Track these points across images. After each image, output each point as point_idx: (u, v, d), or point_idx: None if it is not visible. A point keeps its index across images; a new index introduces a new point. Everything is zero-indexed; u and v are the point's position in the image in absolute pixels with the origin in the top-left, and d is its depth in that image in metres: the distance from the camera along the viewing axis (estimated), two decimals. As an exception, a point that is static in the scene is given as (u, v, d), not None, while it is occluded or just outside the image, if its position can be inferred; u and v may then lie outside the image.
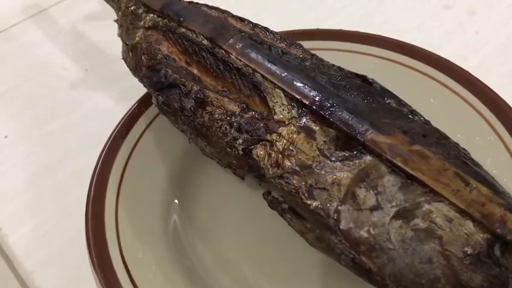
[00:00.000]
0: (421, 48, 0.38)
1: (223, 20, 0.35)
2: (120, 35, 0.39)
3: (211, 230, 0.33)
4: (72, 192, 0.38)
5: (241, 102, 0.30)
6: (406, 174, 0.25)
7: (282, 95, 0.29)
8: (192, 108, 0.31)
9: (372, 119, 0.27)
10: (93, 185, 0.33)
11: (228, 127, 0.29)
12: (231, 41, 0.33)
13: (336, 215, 0.25)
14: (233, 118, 0.29)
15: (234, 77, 0.31)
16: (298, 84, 0.30)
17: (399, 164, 0.25)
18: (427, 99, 0.36)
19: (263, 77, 0.30)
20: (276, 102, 0.29)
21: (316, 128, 0.28)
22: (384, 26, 0.47)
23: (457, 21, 0.48)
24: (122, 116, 0.37)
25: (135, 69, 0.36)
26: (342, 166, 0.26)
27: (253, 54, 0.32)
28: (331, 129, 0.28)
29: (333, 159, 0.27)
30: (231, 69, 0.31)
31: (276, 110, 0.29)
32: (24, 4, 0.58)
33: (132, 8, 0.38)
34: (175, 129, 0.34)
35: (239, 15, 0.36)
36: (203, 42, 0.33)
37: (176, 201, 0.35)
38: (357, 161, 0.26)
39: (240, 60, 0.32)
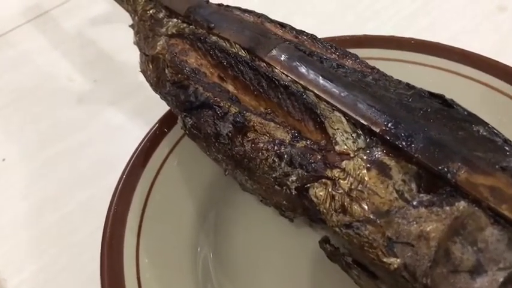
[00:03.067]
0: (488, 58, 0.33)
1: (261, 26, 0.30)
2: (136, 43, 0.33)
3: (249, 280, 0.28)
4: (83, 228, 0.33)
5: (291, 128, 0.25)
6: (515, 227, 0.19)
7: (343, 119, 0.24)
8: (229, 135, 0.25)
9: (462, 152, 0.22)
10: (108, 226, 0.27)
11: (276, 159, 0.24)
12: (274, 51, 0.27)
13: (425, 278, 0.20)
14: (282, 148, 0.24)
15: (280, 97, 0.26)
16: (363, 106, 0.24)
17: (506, 213, 0.20)
18: (495, 118, 0.31)
19: (317, 96, 0.25)
20: (337, 128, 0.24)
21: (391, 163, 0.22)
22: (432, 30, 0.42)
23: (515, 24, 0.42)
24: (138, 135, 0.31)
25: (157, 84, 0.30)
26: (429, 214, 0.21)
27: (302, 68, 0.26)
28: (410, 165, 0.22)
29: (416, 204, 0.21)
30: (276, 87, 0.26)
31: (337, 139, 0.23)
32: (24, 5, 0.53)
33: (151, 11, 0.33)
34: (205, 155, 0.29)
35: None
36: (239, 53, 0.28)
37: (207, 243, 0.29)
38: (448, 208, 0.21)
39: (287, 76, 0.26)
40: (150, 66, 0.31)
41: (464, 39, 0.40)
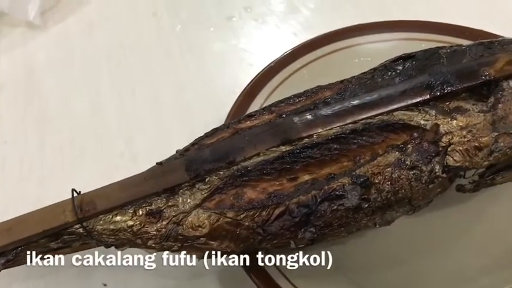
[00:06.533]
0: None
1: (257, 128, 0.30)
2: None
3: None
4: None
5: (389, 149, 0.28)
6: None
7: (402, 113, 0.29)
8: (364, 196, 0.27)
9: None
10: None
11: (412, 172, 0.27)
12: (298, 124, 0.29)
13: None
14: (402, 164, 0.27)
15: (355, 141, 0.28)
16: (393, 94, 0.30)
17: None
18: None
19: (370, 117, 0.29)
20: (411, 120, 0.28)
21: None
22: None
23: None
24: None
25: (251, 244, 0.27)
26: None
27: (331, 116, 0.29)
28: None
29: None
30: (343, 138, 0.28)
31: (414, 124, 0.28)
32: None
33: (139, 222, 0.27)
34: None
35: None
36: (283, 149, 0.28)
37: None
38: None
39: (331, 128, 0.29)
40: (214, 242, 0.27)
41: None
